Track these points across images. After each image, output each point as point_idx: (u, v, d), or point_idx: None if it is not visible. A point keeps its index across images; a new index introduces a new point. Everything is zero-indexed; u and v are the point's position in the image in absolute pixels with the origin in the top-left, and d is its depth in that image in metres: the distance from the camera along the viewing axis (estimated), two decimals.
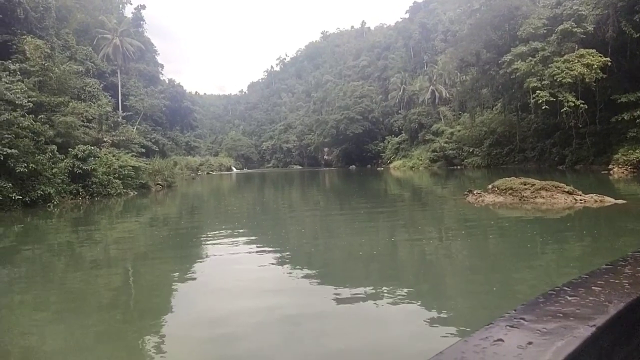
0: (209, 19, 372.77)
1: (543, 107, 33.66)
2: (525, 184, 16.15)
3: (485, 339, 0.62)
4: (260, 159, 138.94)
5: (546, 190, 15.57)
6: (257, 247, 10.89)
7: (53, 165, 24.10)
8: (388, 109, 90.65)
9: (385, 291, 6.61)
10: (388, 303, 6.07)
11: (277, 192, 35.09)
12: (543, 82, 33.83)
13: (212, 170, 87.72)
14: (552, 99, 33.27)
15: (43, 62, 28.43)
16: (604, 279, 0.86)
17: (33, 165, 20.91)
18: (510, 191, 16.22)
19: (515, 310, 0.73)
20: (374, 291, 6.63)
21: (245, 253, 9.97)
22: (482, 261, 8.60)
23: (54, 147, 22.98)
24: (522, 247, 9.38)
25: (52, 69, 28.79)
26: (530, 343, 0.61)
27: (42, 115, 22.54)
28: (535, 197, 15.53)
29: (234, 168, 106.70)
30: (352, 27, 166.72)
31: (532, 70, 34.65)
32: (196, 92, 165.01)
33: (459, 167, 57.56)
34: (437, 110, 69.89)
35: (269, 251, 10.27)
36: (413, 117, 73.12)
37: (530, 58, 35.12)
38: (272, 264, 8.74)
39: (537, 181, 16.18)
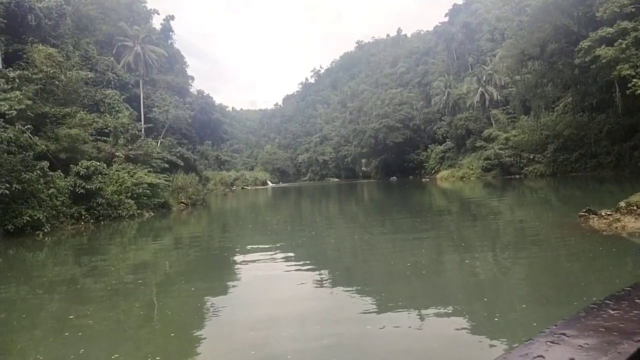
0: (244, 38, 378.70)
1: None
2: None
3: (525, 356, 0.59)
4: (296, 172, 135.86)
5: None
6: (295, 265, 10.44)
7: (50, 185, 20.49)
8: (430, 116, 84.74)
9: None
10: None
11: (314, 208, 32.90)
12: (638, 70, 27.44)
13: (247, 185, 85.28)
14: None
15: (48, 70, 25.14)
16: None
17: (17, 186, 17.21)
18: None
19: (555, 326, 0.69)
20: None
21: (283, 272, 9.58)
22: None
23: (45, 163, 19.20)
24: None
25: (58, 76, 25.47)
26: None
27: (29, 126, 18.78)
28: None
29: (269, 182, 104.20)
30: (388, 35, 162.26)
31: (623, 56, 28.35)
32: (232, 107, 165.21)
33: (517, 176, 51.01)
34: (487, 114, 63.46)
35: (308, 270, 9.71)
36: (460, 123, 67.45)
37: (620, 40, 28.85)
38: (312, 284, 8.41)
39: None
